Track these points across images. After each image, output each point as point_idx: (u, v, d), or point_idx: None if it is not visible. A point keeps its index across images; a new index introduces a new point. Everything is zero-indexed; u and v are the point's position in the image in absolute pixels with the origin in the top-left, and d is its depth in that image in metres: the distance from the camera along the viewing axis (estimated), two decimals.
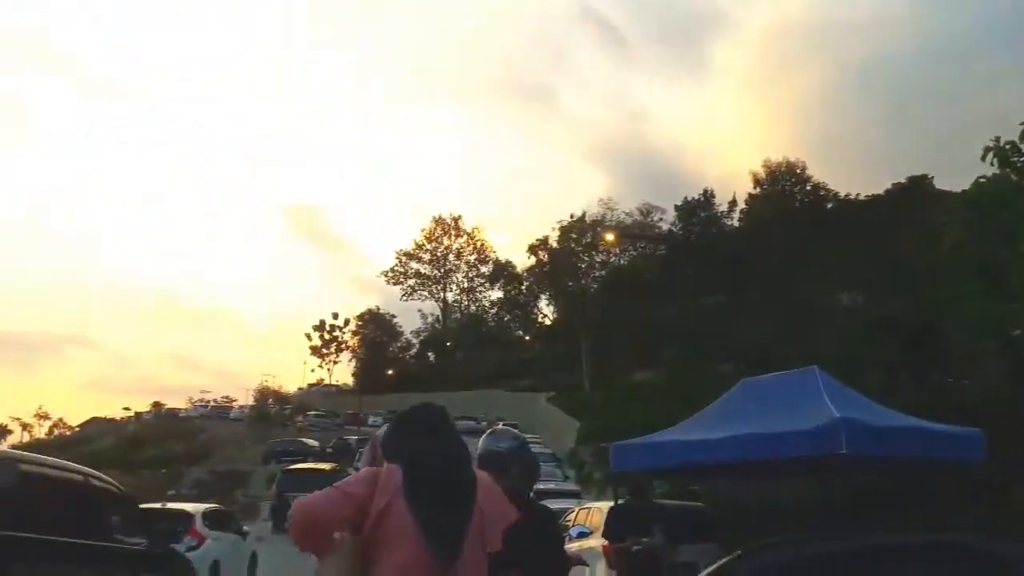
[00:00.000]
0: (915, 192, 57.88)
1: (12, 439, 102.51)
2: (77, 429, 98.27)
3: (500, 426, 5.55)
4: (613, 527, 10.84)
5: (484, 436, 5.05)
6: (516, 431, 5.26)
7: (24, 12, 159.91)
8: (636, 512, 10.22)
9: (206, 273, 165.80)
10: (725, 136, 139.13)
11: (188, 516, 15.61)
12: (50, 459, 8.34)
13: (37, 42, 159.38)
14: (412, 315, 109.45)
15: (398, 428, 3.60)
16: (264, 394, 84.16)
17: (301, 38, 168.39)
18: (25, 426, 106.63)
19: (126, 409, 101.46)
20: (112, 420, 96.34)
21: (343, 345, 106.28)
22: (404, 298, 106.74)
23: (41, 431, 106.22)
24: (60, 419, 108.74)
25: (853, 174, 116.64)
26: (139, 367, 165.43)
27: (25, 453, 8.53)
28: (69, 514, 7.69)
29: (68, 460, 8.99)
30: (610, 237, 67.97)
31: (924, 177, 61.16)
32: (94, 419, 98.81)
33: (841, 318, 45.05)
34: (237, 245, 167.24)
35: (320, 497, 3.28)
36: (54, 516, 7.34)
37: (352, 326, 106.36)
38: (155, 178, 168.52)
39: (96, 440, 76.56)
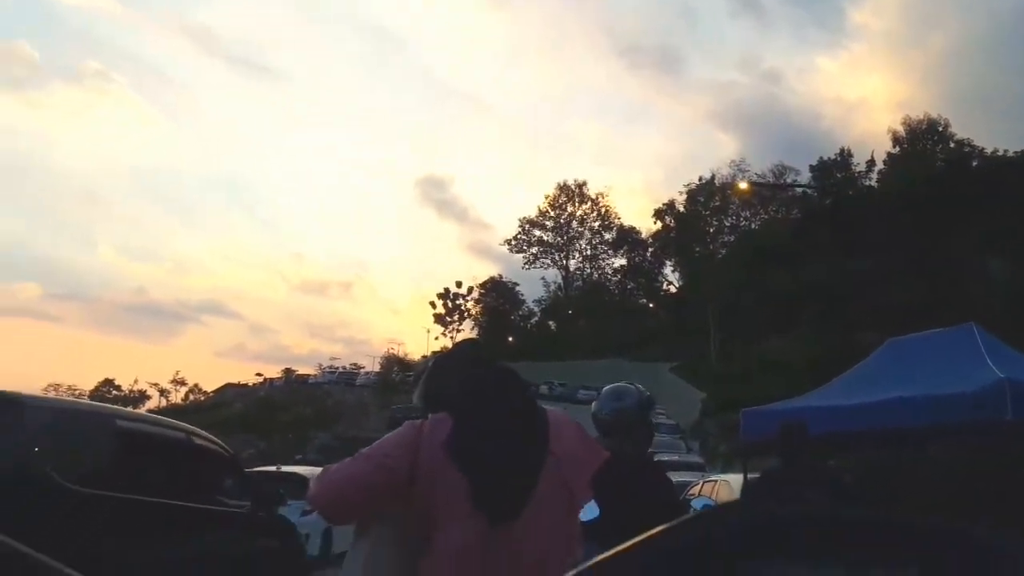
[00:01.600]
0: None
1: (150, 404, 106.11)
2: (212, 394, 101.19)
3: (622, 383, 4.82)
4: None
5: (603, 393, 4.68)
6: (640, 387, 4.71)
7: None
8: (789, 481, 8.29)
9: (339, 243, 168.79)
10: (862, 96, 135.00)
11: (303, 480, 15.09)
12: (151, 416, 8.34)
13: (187, 16, 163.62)
14: (534, 283, 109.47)
15: (441, 368, 3.04)
16: (389, 361, 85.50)
17: (429, 12, 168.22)
18: (162, 392, 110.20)
19: (258, 375, 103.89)
20: (245, 386, 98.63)
21: (466, 313, 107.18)
22: (526, 266, 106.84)
23: (178, 396, 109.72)
24: (196, 385, 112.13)
25: (1000, 130, 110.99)
26: (272, 335, 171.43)
27: (125, 409, 8.35)
28: (170, 474, 7.53)
29: (201, 426, 8.73)
30: (743, 186, 65.96)
31: None
32: (228, 385, 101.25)
33: (991, 283, 42.77)
34: (370, 215, 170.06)
35: (349, 471, 2.69)
36: (154, 476, 7.17)
37: (475, 294, 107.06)
38: (291, 149, 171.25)
39: (229, 405, 78.79)
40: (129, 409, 8.67)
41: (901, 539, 1.06)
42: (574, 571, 0.90)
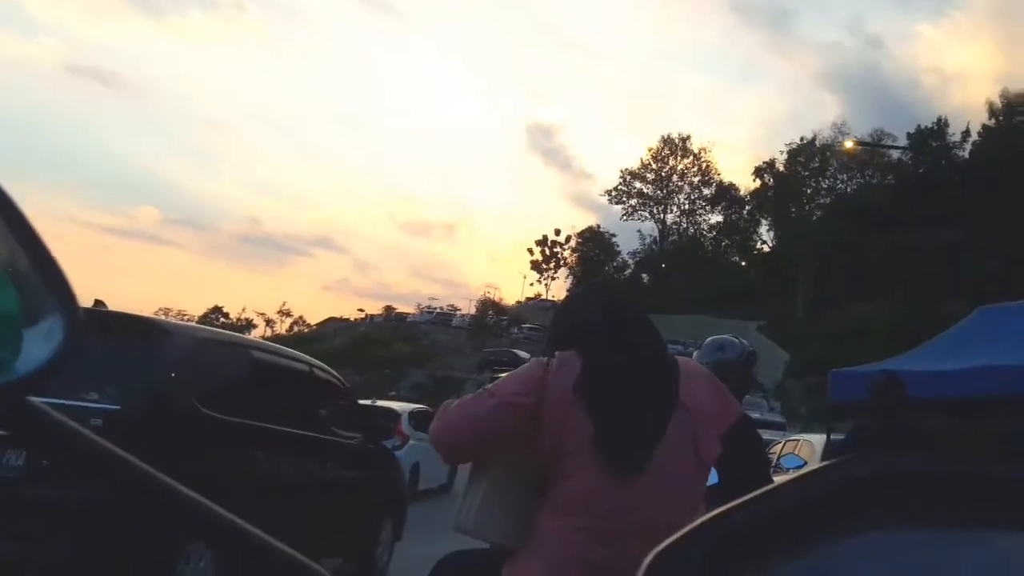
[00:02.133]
0: None
1: (256, 332, 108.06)
2: (315, 327, 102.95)
3: (725, 335, 4.88)
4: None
5: (705, 344, 4.71)
6: (743, 340, 4.78)
7: None
8: (883, 442, 7.20)
9: (445, 185, 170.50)
10: (964, 66, 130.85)
11: (395, 415, 15.84)
12: (280, 347, 8.60)
13: None
14: (631, 235, 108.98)
15: (568, 308, 2.90)
16: (485, 305, 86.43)
17: None
18: (268, 321, 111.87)
19: (360, 311, 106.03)
20: (347, 320, 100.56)
21: (562, 261, 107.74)
22: (624, 217, 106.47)
23: (283, 327, 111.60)
24: (300, 317, 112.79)
25: None
26: (376, 273, 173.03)
27: (257, 340, 8.34)
28: (296, 404, 7.93)
29: (306, 355, 9.11)
30: (848, 145, 65.12)
31: None
32: (331, 319, 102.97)
33: None
34: (477, 159, 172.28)
35: (472, 408, 2.51)
36: (279, 404, 7.56)
37: (572, 243, 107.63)
38: (408, 90, 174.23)
39: (331, 339, 79.84)
40: (262, 340, 8.71)
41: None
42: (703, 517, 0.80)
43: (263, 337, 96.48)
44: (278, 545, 1.02)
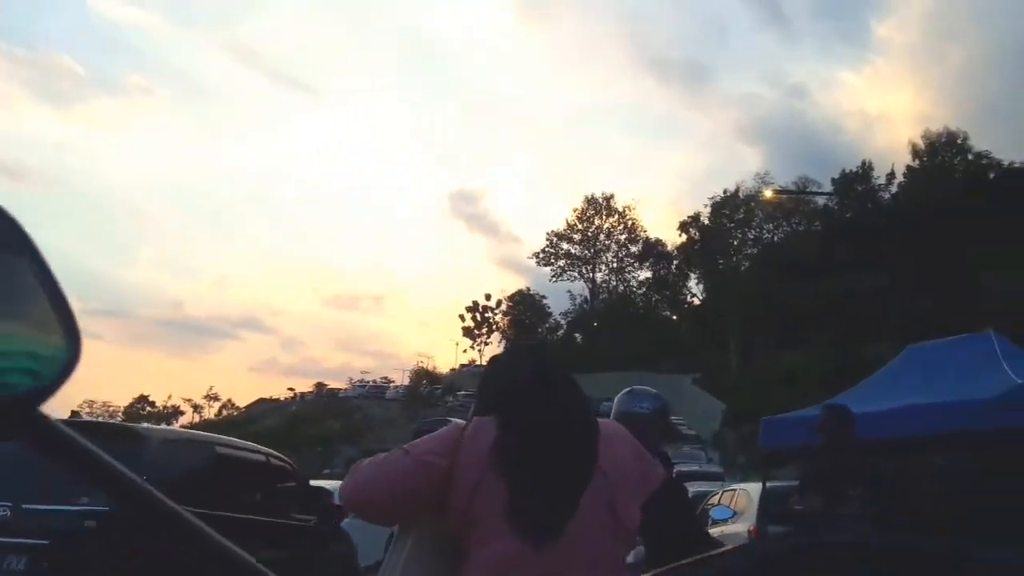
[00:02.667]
0: None
1: (184, 419, 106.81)
2: (244, 410, 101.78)
3: (638, 386, 4.84)
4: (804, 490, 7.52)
5: (620, 396, 4.64)
6: (656, 391, 4.76)
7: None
8: (835, 476, 6.66)
9: (371, 257, 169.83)
10: (884, 109, 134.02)
11: (328, 494, 15.72)
12: (238, 441, 9.35)
13: (229, 32, 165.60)
14: (562, 296, 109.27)
15: (492, 373, 2.83)
16: (418, 375, 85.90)
17: (462, 27, 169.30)
18: (196, 407, 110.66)
19: (290, 390, 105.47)
20: (277, 400, 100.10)
21: (494, 326, 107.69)
22: (554, 279, 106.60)
23: (211, 412, 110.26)
24: (229, 400, 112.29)
25: (1020, 142, 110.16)
26: (304, 349, 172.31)
27: (218, 436, 9.49)
28: (254, 492, 8.62)
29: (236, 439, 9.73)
30: (768, 194, 65.83)
31: None
32: (260, 400, 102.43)
33: (1006, 294, 42.56)
34: (401, 229, 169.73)
35: (384, 466, 2.45)
36: (242, 494, 8.25)
37: (503, 307, 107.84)
38: (327, 164, 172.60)
39: (261, 420, 79.53)
40: (222, 436, 9.77)
41: None
42: None
43: (191, 424, 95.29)
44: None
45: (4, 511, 6.51)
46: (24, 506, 6.59)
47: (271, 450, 9.56)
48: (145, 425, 7.92)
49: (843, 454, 6.22)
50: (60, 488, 6.29)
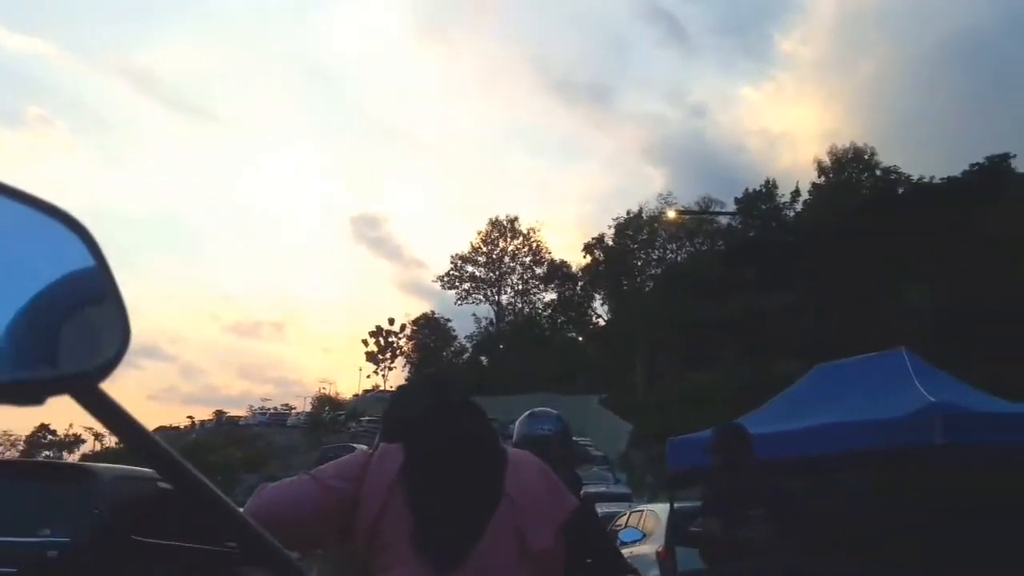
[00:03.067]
0: (995, 173, 54.55)
1: (85, 447, 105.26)
2: None
3: (538, 408, 4.86)
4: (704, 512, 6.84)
5: (521, 419, 4.64)
6: (557, 412, 4.77)
7: (106, 25, 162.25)
8: (733, 491, 6.28)
9: (272, 283, 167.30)
10: (790, 127, 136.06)
11: None
12: None
13: (126, 60, 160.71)
14: (467, 319, 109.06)
15: (398, 401, 2.92)
16: (321, 401, 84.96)
17: (363, 51, 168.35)
18: (97, 435, 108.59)
19: (190, 418, 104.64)
20: (177, 428, 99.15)
21: (398, 351, 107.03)
22: (459, 302, 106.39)
23: (112, 440, 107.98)
24: None
25: (929, 159, 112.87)
26: (203, 377, 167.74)
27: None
28: (199, 521, 8.91)
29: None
30: (671, 215, 66.38)
31: (1005, 156, 56.90)
32: (160, 428, 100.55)
33: (913, 312, 43.39)
34: (303, 255, 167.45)
35: (289, 489, 2.45)
36: (180, 523, 8.72)
37: (407, 331, 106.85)
38: (225, 190, 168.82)
39: None
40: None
41: None
42: None
43: (93, 452, 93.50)
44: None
45: None
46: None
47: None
48: (95, 464, 9.53)
49: (739, 474, 5.94)
50: (24, 523, 7.34)
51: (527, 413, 4.69)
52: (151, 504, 8.42)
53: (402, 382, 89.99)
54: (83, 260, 1.02)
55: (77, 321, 1.01)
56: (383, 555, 2.34)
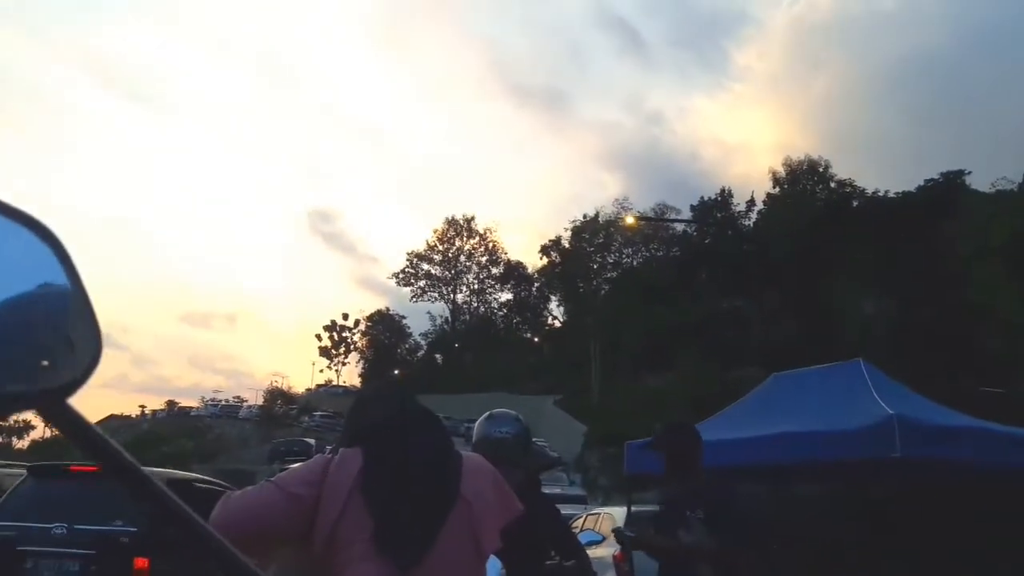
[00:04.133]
0: (950, 189, 55.20)
1: (35, 434, 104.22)
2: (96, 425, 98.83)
3: (498, 410, 4.76)
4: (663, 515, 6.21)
5: (480, 420, 4.58)
6: (516, 413, 4.70)
7: (61, 12, 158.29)
8: (685, 493, 5.89)
9: (224, 275, 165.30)
10: (745, 137, 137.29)
11: None
12: (179, 472, 12.21)
13: (74, 45, 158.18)
14: (421, 317, 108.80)
15: (358, 408, 2.92)
16: (273, 394, 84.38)
17: (320, 46, 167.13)
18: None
19: (141, 407, 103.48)
20: (128, 417, 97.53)
21: (352, 346, 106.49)
22: (414, 299, 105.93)
23: None
24: None
25: (883, 172, 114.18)
26: (155, 367, 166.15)
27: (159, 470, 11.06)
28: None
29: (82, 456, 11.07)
30: (630, 220, 66.28)
31: (960, 173, 57.73)
32: (111, 416, 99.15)
33: (867, 322, 43.84)
34: (256, 248, 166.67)
35: (253, 498, 2.49)
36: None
37: (362, 327, 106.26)
38: (179, 180, 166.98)
39: (113, 436, 76.64)
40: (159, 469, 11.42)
41: None
42: None
43: (43, 438, 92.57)
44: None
45: (63, 529, 8.79)
46: (76, 526, 8.82)
47: (199, 475, 12.11)
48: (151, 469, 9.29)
49: (686, 473, 5.58)
50: (101, 514, 8.72)
51: (487, 415, 4.64)
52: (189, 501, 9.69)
53: (359, 385, 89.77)
54: (54, 272, 1.00)
55: (45, 335, 0.99)
56: (343, 554, 2.40)
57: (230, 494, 2.56)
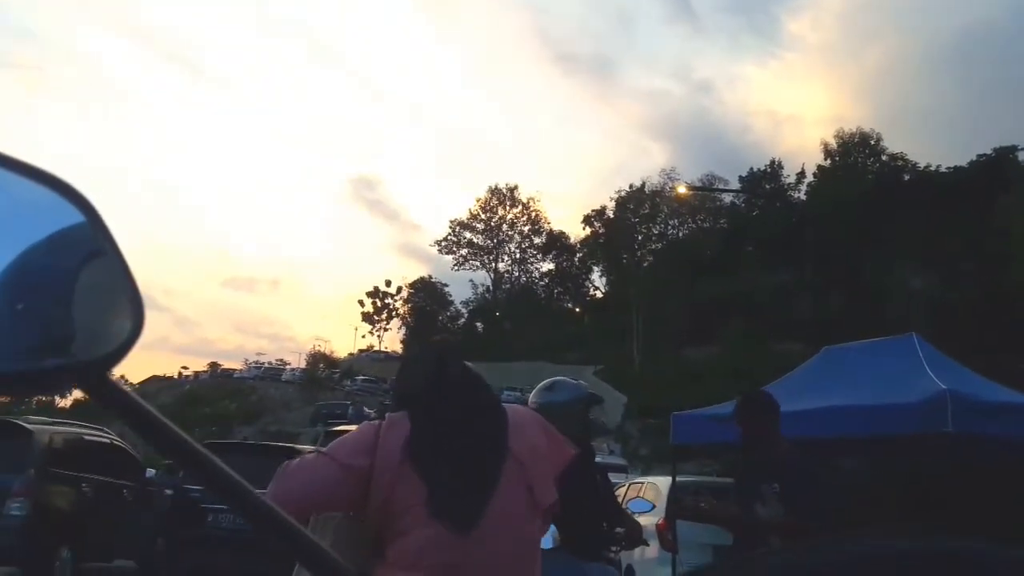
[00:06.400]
0: (1002, 165, 54.15)
1: (77, 393, 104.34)
2: (138, 386, 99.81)
3: (559, 377, 4.80)
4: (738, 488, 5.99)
5: (539, 388, 4.61)
6: (579, 382, 4.73)
7: None
8: (751, 465, 5.74)
9: (269, 240, 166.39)
10: (797, 109, 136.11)
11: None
12: (96, 428, 13.44)
13: (122, 13, 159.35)
14: (464, 285, 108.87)
15: (409, 367, 2.97)
16: (315, 358, 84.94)
17: (365, 14, 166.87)
18: None
19: (184, 368, 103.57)
20: (170, 378, 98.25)
21: (394, 312, 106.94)
22: (456, 268, 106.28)
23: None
24: (122, 376, 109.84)
25: (935, 147, 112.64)
26: (198, 329, 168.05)
27: (87, 426, 13.51)
28: (106, 461, 12.67)
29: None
30: (681, 190, 65.81)
31: (1014, 148, 56.07)
32: (153, 377, 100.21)
33: (913, 298, 43.41)
34: (301, 213, 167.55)
35: (309, 472, 2.53)
36: (104, 464, 12.53)
37: (404, 294, 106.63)
38: (225, 147, 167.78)
39: (154, 397, 78.20)
40: (85, 425, 13.61)
41: None
42: None
43: (84, 398, 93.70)
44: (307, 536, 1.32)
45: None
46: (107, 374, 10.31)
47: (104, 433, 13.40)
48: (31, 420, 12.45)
49: (763, 445, 5.40)
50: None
51: (545, 383, 4.66)
52: (81, 450, 12.19)
53: (400, 350, 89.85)
54: (90, 240, 0.97)
55: (83, 305, 0.95)
56: (400, 520, 2.44)
57: (287, 464, 2.58)
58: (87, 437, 12.69)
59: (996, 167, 53.62)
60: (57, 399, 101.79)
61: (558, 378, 4.71)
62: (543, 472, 2.62)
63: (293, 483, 2.51)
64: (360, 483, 2.46)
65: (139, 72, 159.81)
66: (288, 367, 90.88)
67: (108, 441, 13.18)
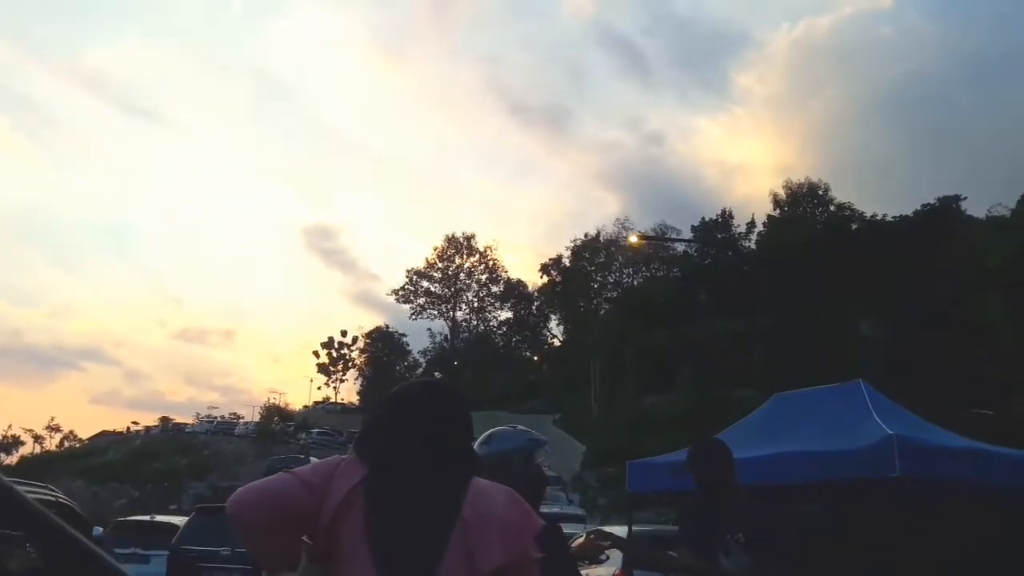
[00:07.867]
0: (946, 214, 55.62)
1: (24, 449, 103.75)
2: (87, 442, 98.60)
3: (497, 428, 4.58)
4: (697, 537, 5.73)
5: (483, 439, 4.31)
6: (522, 426, 4.57)
7: (56, 24, 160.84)
8: (710, 514, 5.46)
9: (222, 290, 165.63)
10: (746, 159, 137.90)
11: (176, 529, 15.66)
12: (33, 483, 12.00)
13: (71, 57, 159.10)
14: (421, 334, 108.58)
15: (377, 412, 2.86)
16: (270, 411, 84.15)
17: (320, 64, 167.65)
18: (37, 438, 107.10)
19: (134, 423, 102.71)
20: (120, 433, 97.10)
21: (350, 363, 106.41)
22: (413, 317, 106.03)
23: (52, 443, 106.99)
24: (71, 432, 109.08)
25: (881, 197, 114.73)
26: (148, 383, 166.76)
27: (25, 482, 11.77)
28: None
29: (74, 473, 12.64)
30: (633, 240, 66.32)
31: (956, 198, 58.53)
32: (103, 432, 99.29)
33: (864, 344, 43.96)
34: (255, 263, 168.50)
35: (267, 481, 2.56)
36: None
37: (360, 344, 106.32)
38: (177, 195, 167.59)
39: (104, 453, 77.45)
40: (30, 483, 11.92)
41: None
42: None
43: (32, 454, 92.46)
44: None
45: (228, 551, 11.16)
46: (238, 549, 10.26)
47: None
48: None
49: (720, 492, 5.27)
50: None
51: (488, 433, 4.44)
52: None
53: (356, 402, 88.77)
54: None
55: None
56: (342, 566, 2.43)
57: (247, 486, 2.56)
58: (32, 495, 12.49)
59: (940, 216, 54.76)
60: (3, 456, 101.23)
61: (495, 428, 4.50)
62: (490, 540, 2.47)
63: (253, 486, 2.54)
64: (314, 496, 2.46)
65: (91, 118, 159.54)
66: (241, 421, 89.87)
67: (54, 499, 12.77)
